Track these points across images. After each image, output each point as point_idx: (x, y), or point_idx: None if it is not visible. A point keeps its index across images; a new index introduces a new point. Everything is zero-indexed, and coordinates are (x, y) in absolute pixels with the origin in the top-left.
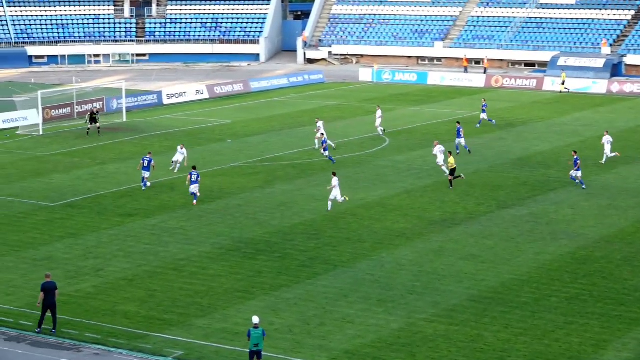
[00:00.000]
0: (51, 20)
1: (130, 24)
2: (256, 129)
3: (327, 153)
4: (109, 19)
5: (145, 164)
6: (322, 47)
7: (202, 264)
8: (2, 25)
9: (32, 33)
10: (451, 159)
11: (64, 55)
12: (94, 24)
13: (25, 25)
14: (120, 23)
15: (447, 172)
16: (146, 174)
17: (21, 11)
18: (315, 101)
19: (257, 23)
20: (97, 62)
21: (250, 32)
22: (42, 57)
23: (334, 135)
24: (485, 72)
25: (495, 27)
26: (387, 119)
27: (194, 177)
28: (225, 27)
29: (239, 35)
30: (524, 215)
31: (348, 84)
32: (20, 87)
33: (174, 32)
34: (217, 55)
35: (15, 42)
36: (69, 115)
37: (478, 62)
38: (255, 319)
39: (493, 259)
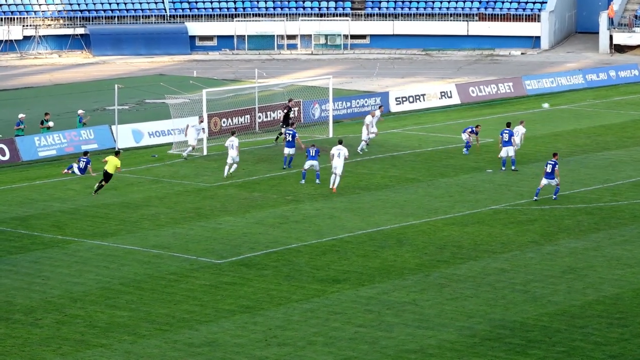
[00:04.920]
0: None
1: None
2: (532, 153)
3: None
4: None
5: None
6: (638, 26)
7: (442, 359)
8: None
9: (196, 2)
10: None
11: (243, 36)
12: None
13: None
14: None
15: None
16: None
17: None
18: (627, 111)
19: None
20: (291, 46)
21: (527, 2)
22: (209, 38)
23: None
24: None
25: None
26: None
27: (312, 152)
28: None
29: (509, 8)
30: None
31: None
32: (175, 84)
33: (410, 2)
34: (475, 38)
35: (171, 16)
36: (247, 127)
37: None
38: None
39: None
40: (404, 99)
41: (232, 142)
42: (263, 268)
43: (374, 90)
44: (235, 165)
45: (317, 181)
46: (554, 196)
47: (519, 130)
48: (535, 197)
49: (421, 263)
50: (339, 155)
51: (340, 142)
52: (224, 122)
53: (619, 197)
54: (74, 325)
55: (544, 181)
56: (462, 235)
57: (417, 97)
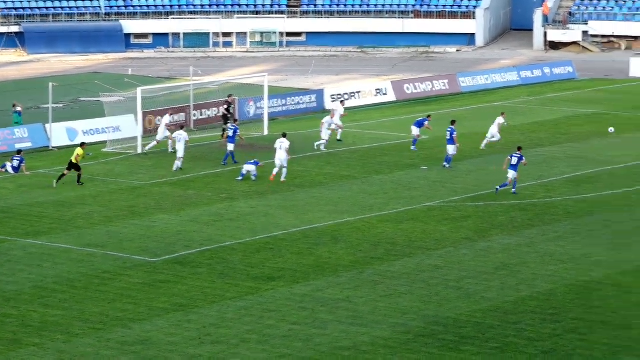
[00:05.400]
0: None
1: None
2: (466, 151)
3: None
4: None
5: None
6: (573, 24)
7: (376, 356)
8: None
9: (132, 0)
10: None
11: (177, 34)
12: None
13: None
14: None
15: None
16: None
17: None
18: (560, 107)
19: None
20: (227, 44)
21: (462, 0)
22: (144, 36)
23: (586, 162)
24: None
25: None
26: None
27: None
28: None
29: (444, 6)
30: None
31: (613, 81)
32: (110, 81)
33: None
34: (410, 35)
35: (106, 14)
36: (183, 125)
37: None
38: None
39: None
40: (339, 96)
41: (181, 135)
42: (197, 266)
43: (309, 87)
44: (178, 163)
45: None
46: (513, 189)
47: (498, 121)
48: (497, 189)
49: (355, 260)
50: (281, 148)
51: (284, 136)
52: (158, 120)
53: (552, 193)
54: (6, 324)
55: (511, 174)
56: (396, 232)
57: (353, 95)
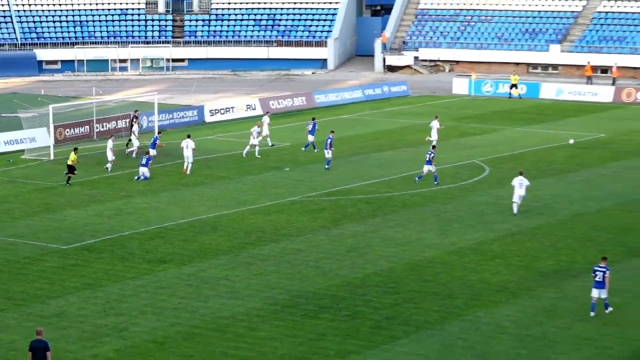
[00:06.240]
0: (66, 16)
1: (165, 21)
2: (321, 155)
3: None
4: (138, 15)
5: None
6: (406, 51)
7: (250, 324)
8: (6, 23)
9: (43, 32)
10: None
11: (82, 61)
12: (119, 21)
13: (34, 22)
14: (152, 20)
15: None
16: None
17: (29, 5)
18: (397, 119)
19: (324, 20)
20: (123, 69)
21: (315, 32)
22: (54, 62)
23: (419, 163)
24: (614, 84)
25: (629, 25)
26: (487, 142)
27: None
28: (285, 26)
29: (301, 36)
30: None
31: (439, 97)
32: (27, 100)
33: (220, 31)
34: (274, 61)
35: (21, 44)
36: (87, 136)
37: (605, 70)
38: None
39: (620, 321)
40: (217, 111)
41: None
42: (101, 252)
43: (191, 104)
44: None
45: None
46: (436, 182)
47: (434, 125)
48: (416, 180)
49: (232, 245)
50: (187, 147)
51: (188, 136)
52: (68, 132)
53: (391, 189)
54: None
55: (426, 168)
56: (265, 222)
57: (227, 109)
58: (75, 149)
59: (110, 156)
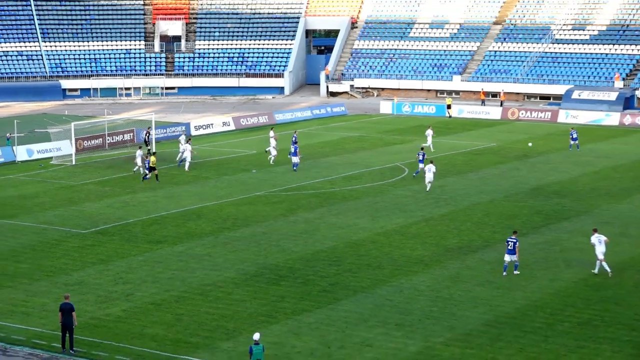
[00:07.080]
0: (84, 55)
1: (160, 58)
2: (280, 159)
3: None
4: (139, 53)
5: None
6: (344, 80)
7: (227, 289)
8: (38, 60)
9: (66, 67)
10: None
11: (96, 89)
12: (125, 58)
13: (59, 59)
14: (150, 57)
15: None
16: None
17: (56, 46)
18: (338, 132)
19: (282, 57)
20: (127, 95)
21: (275, 66)
22: (75, 90)
23: (355, 166)
24: (501, 105)
25: (512, 61)
26: (407, 150)
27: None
28: (251, 62)
29: (264, 69)
30: (538, 243)
31: (369, 116)
32: (54, 119)
33: (202, 66)
34: (243, 88)
35: (50, 76)
36: (100, 146)
37: (495, 95)
38: (256, 336)
39: (508, 285)
40: (200, 127)
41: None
42: (112, 235)
43: (181, 121)
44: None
45: (146, 179)
46: (414, 174)
47: (429, 133)
48: (414, 174)
49: (212, 230)
50: (187, 150)
51: (188, 141)
52: (86, 143)
53: (335, 186)
54: None
55: (420, 166)
56: (238, 212)
57: (208, 125)
58: (154, 153)
59: (139, 162)
